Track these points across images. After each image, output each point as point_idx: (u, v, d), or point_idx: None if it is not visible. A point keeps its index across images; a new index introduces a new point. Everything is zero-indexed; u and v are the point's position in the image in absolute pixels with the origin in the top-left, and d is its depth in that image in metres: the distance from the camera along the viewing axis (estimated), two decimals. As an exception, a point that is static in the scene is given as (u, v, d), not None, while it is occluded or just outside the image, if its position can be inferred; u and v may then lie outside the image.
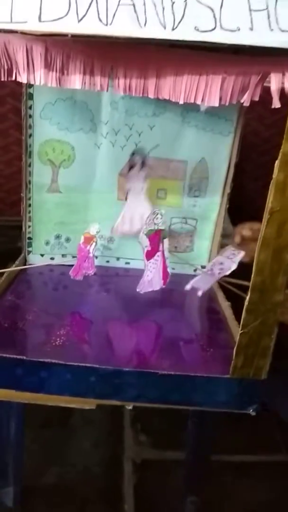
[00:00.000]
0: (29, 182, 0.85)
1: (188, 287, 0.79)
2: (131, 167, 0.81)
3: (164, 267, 0.79)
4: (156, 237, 0.76)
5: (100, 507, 0.84)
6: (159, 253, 0.77)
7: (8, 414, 0.75)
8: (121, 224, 0.82)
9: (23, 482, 0.82)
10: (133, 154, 0.81)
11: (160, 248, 0.77)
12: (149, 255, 0.77)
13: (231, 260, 0.75)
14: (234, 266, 0.74)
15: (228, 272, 0.75)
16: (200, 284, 0.79)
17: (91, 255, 0.79)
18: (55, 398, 0.61)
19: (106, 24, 0.41)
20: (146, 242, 0.76)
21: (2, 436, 0.77)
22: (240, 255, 0.75)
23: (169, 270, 0.81)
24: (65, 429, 0.97)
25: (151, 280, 0.78)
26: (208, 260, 0.93)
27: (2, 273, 0.80)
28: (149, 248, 0.76)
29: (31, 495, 0.84)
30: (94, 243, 0.78)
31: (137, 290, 0.77)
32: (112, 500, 0.85)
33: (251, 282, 0.55)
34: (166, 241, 0.78)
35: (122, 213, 0.83)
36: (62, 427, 0.97)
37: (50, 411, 0.68)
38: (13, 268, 0.84)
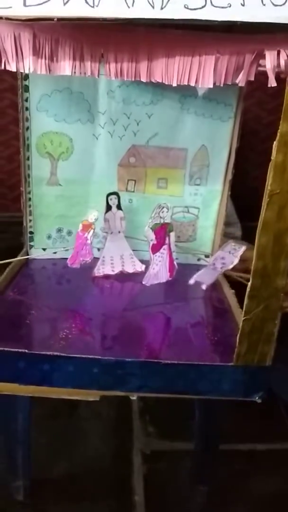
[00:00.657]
0: (28, 175, 0.85)
1: (191, 281, 0.79)
2: (108, 209, 0.81)
3: (171, 260, 0.78)
4: (162, 230, 0.75)
5: (110, 498, 0.84)
6: (165, 247, 0.76)
7: (14, 408, 0.75)
8: (102, 266, 0.83)
9: (33, 475, 0.82)
10: (108, 195, 0.81)
11: (167, 242, 0.76)
12: (155, 249, 0.76)
13: (233, 255, 0.74)
14: (236, 261, 0.74)
15: (230, 267, 0.75)
16: (204, 278, 0.79)
17: (89, 241, 0.78)
18: (59, 391, 0.61)
19: (93, 6, 0.40)
20: (151, 236, 0.75)
21: (10, 430, 0.77)
22: (242, 249, 0.74)
23: (175, 262, 0.80)
24: (72, 421, 0.97)
25: (157, 273, 0.77)
26: (212, 249, 0.92)
27: (6, 268, 0.80)
28: (155, 242, 0.75)
29: (41, 488, 0.84)
30: (92, 230, 0.78)
31: (143, 282, 0.76)
32: (122, 491, 0.85)
33: (252, 267, 0.54)
34: (172, 234, 0.77)
35: (102, 255, 0.84)
36: (70, 420, 0.97)
37: (57, 404, 0.68)
38: (11, 260, 0.83)
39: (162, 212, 0.74)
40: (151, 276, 0.76)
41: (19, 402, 0.74)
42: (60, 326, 0.68)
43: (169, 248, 0.77)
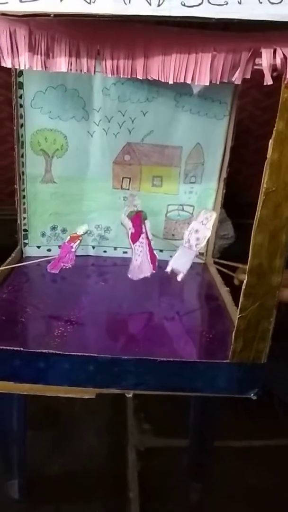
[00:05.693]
0: (23, 173, 0.84)
1: (168, 269, 0.76)
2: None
3: (150, 249, 0.76)
4: (137, 218, 0.75)
5: (105, 495, 0.84)
6: (143, 235, 0.75)
7: (10, 406, 0.75)
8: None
9: (28, 473, 0.82)
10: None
11: (143, 230, 0.75)
12: (134, 238, 0.75)
13: (205, 226, 0.73)
14: (208, 234, 0.73)
15: (204, 242, 0.74)
16: (180, 263, 0.75)
17: (73, 250, 0.78)
18: (54, 389, 0.61)
19: (90, 3, 0.40)
20: (129, 224, 0.75)
21: (5, 429, 0.77)
22: (212, 218, 0.73)
23: (155, 252, 0.79)
24: (68, 419, 0.97)
25: (141, 265, 0.75)
26: (206, 247, 0.92)
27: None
28: (133, 230, 0.75)
29: (36, 486, 0.84)
30: (78, 241, 0.78)
31: (129, 275, 0.75)
32: (117, 488, 0.85)
33: (248, 265, 0.54)
34: (147, 222, 0.76)
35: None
36: (65, 417, 0.97)
37: (53, 401, 0.68)
38: (6, 267, 0.82)
39: (134, 200, 0.74)
40: (135, 268, 0.75)
41: (14, 400, 0.74)
42: (55, 324, 0.68)
43: (147, 237, 0.75)
